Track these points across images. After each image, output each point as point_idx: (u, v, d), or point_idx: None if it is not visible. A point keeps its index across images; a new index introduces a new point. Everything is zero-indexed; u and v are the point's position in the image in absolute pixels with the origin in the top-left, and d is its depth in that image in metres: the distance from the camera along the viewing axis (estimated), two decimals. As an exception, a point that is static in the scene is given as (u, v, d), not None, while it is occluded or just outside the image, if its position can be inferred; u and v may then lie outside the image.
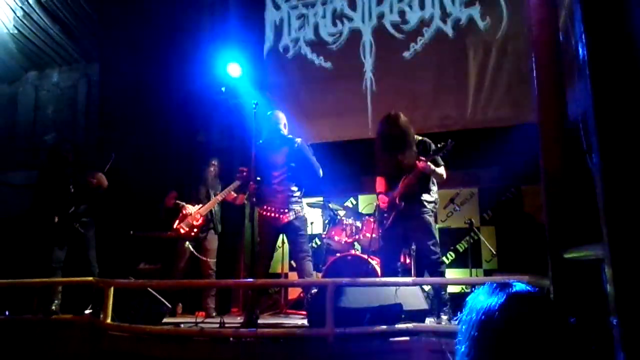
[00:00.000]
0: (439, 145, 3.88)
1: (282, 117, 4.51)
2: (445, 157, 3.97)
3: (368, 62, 6.23)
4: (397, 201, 3.97)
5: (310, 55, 6.48)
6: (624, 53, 1.21)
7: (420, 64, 6.03)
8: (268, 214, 4.27)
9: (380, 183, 4.26)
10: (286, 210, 4.26)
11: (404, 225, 4.00)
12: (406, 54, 6.05)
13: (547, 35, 1.94)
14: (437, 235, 4.03)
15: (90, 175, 4.82)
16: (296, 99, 6.49)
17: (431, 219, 4.01)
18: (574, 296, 1.61)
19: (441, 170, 3.99)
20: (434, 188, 4.22)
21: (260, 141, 4.48)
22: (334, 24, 6.42)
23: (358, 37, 6.30)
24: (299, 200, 4.39)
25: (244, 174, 4.34)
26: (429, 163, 3.83)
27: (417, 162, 3.83)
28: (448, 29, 5.92)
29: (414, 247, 4.76)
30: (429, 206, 4.04)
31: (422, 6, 6.06)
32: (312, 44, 6.51)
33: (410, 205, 3.95)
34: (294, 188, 4.35)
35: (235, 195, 5.01)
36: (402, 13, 6.14)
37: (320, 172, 4.35)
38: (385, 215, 4.07)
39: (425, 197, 4.04)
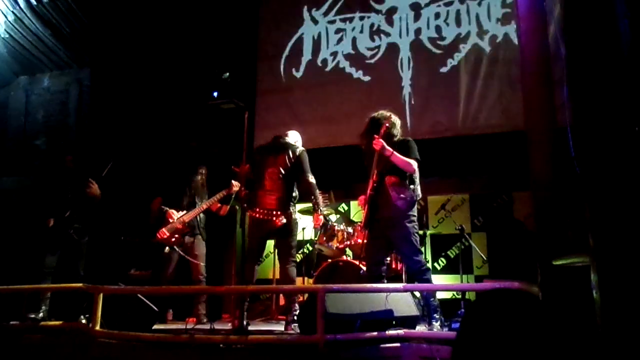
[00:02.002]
0: None
1: (295, 135, 4.63)
2: (441, 153, 3.78)
3: (406, 76, 6.28)
4: (368, 191, 3.81)
5: (349, 69, 6.62)
6: (605, 60, 1.23)
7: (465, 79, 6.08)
8: (259, 216, 4.27)
9: None
10: (278, 213, 4.27)
11: (383, 231, 3.81)
12: (443, 69, 6.10)
13: (535, 44, 1.97)
14: (418, 242, 3.78)
15: (87, 184, 4.80)
16: (291, 104, 6.55)
17: (410, 225, 3.73)
18: (562, 301, 1.63)
19: (406, 158, 3.74)
20: (414, 186, 3.86)
21: (261, 145, 4.54)
22: (372, 39, 6.58)
23: (396, 52, 6.43)
24: (292, 204, 4.40)
25: (244, 170, 4.39)
26: (382, 141, 3.69)
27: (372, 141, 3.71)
28: (485, 45, 5.98)
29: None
30: (409, 211, 3.76)
31: (458, 23, 6.16)
32: (350, 57, 6.64)
33: (387, 210, 3.75)
34: (288, 192, 4.36)
35: (219, 205, 5.01)
36: (438, 29, 6.24)
37: (310, 177, 4.33)
38: (363, 212, 3.94)
39: (401, 200, 3.74)
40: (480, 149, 5.70)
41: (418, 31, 6.32)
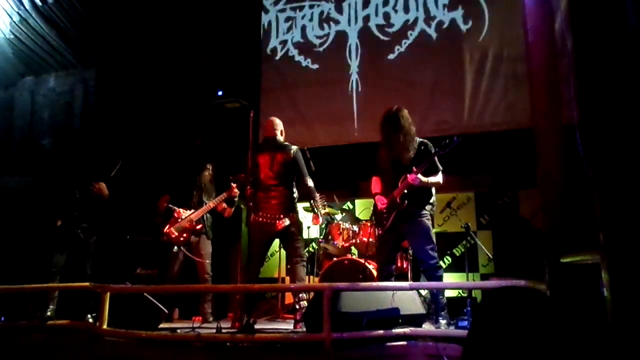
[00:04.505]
0: (444, 142, 3.71)
1: (278, 124, 4.56)
2: (447, 153, 3.76)
3: (354, 64, 6.36)
4: (397, 200, 3.83)
5: (298, 57, 6.65)
6: (615, 55, 1.23)
7: (415, 67, 6.04)
8: (262, 220, 4.27)
9: (375, 183, 4.15)
10: (281, 216, 4.25)
11: (401, 228, 3.88)
12: (391, 56, 6.16)
13: (542, 41, 1.96)
14: (434, 240, 3.92)
15: (94, 183, 4.81)
16: (292, 103, 6.54)
17: (429, 223, 3.89)
18: (571, 299, 1.62)
19: (436, 178, 3.85)
20: (432, 190, 4.10)
21: (256, 145, 4.50)
22: (321, 27, 6.61)
23: (344, 40, 6.46)
24: (294, 205, 4.39)
25: (242, 178, 4.37)
26: (419, 176, 3.71)
27: (408, 174, 3.73)
28: (432, 32, 6.05)
29: (410, 251, 4.77)
30: (428, 208, 3.93)
31: (406, 9, 6.21)
32: (299, 46, 6.68)
33: (409, 207, 3.82)
34: (288, 194, 4.35)
35: (224, 206, 4.99)
36: (386, 16, 6.29)
37: (308, 181, 4.32)
38: (385, 216, 3.94)
39: (424, 199, 3.91)
40: (486, 147, 5.68)
41: (366, 18, 6.37)
